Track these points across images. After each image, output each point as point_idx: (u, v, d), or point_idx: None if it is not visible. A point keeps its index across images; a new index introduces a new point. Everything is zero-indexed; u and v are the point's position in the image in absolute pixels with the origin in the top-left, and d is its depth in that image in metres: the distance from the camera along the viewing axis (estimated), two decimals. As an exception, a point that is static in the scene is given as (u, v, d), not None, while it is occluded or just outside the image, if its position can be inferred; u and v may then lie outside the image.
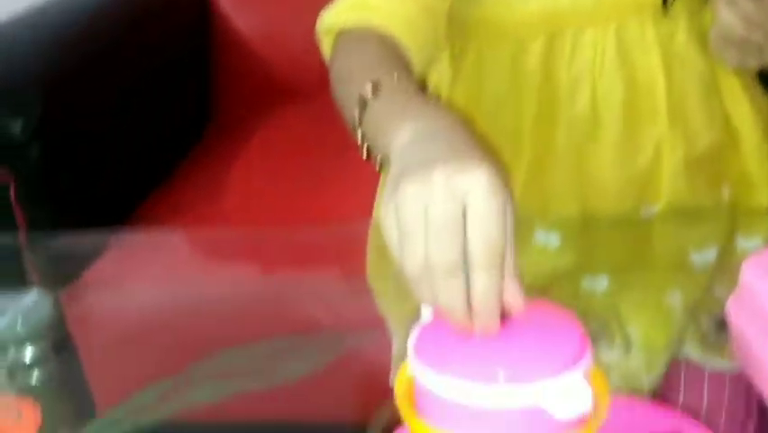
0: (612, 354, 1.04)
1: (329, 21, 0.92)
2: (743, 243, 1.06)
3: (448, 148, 0.65)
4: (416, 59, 0.88)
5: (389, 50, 0.84)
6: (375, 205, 1.17)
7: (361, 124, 0.78)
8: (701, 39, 1.00)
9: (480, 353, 0.59)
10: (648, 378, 1.04)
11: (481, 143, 0.66)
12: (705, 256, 1.04)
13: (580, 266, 0.96)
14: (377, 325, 1.04)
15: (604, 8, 0.97)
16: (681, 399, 1.06)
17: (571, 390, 0.54)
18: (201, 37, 2.22)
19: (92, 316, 1.12)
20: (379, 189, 1.05)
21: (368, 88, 0.77)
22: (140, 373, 1.03)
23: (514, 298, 0.61)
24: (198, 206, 1.78)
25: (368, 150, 0.78)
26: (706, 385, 1.02)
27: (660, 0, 0.97)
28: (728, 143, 1.05)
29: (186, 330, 1.09)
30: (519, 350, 0.58)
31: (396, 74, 0.78)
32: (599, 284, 1.03)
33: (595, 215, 0.97)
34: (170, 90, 2.07)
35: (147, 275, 1.17)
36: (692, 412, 1.07)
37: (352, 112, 0.78)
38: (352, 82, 0.81)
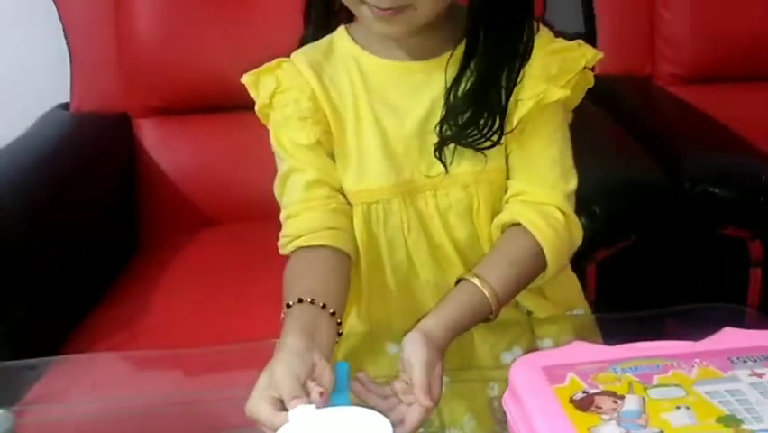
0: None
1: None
2: (540, 343, 1.36)
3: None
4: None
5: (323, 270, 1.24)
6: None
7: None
8: (468, 210, 1.30)
9: None
10: None
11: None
12: (514, 355, 1.30)
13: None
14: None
15: (399, 189, 1.29)
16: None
17: None
18: (129, 174, 2.41)
19: (40, 427, 1.27)
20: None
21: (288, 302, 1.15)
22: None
23: None
24: (127, 328, 1.87)
25: None
26: None
27: (435, 182, 1.28)
28: None
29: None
30: None
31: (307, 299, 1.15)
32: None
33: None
34: (99, 222, 2.22)
35: (83, 392, 1.35)
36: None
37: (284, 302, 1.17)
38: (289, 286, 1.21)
